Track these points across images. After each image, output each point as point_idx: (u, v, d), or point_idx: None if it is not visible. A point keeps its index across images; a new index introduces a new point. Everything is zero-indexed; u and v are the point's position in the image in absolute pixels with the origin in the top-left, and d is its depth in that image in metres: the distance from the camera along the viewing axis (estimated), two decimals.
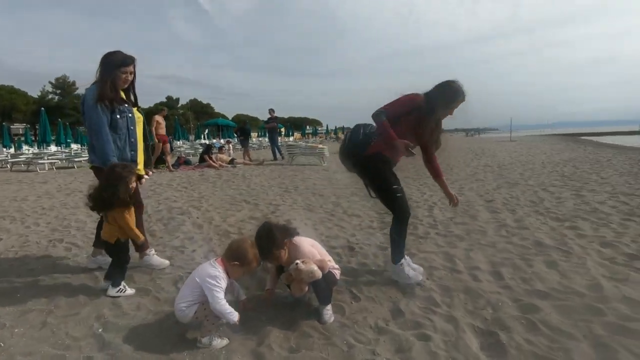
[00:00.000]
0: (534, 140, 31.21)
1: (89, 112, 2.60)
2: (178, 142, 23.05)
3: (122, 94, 2.78)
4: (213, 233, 3.97)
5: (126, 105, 2.76)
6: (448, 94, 2.52)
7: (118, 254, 2.51)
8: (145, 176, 3.04)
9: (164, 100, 66.56)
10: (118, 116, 2.67)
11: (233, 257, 1.98)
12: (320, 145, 11.81)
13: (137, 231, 2.50)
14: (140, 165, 2.92)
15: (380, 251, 3.31)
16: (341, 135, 46.43)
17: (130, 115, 2.78)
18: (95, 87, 2.63)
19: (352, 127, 2.74)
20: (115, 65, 2.62)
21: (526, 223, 4.14)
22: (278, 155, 13.14)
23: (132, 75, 2.74)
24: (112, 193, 2.33)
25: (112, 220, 2.45)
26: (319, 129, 54.33)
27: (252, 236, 2.19)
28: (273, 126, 13.40)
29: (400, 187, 2.60)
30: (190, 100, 72.20)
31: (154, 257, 2.99)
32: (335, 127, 56.07)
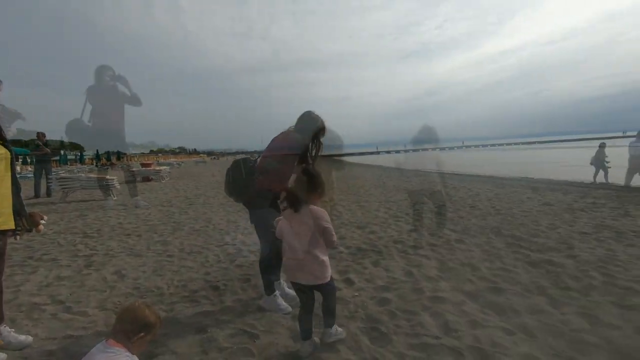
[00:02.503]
0: None
1: None
2: None
3: None
4: (14, 312, 2.88)
5: None
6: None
7: None
8: (17, 230, 2.33)
9: None
10: None
11: (134, 331, 1.66)
12: (109, 176, 10.05)
13: None
14: (7, 217, 2.17)
15: (245, 284, 3.37)
16: (115, 162, 40.12)
17: None
18: None
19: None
20: None
21: (342, 233, 5.14)
22: (44, 190, 10.28)
23: None
24: None
25: None
26: (85, 154, 45.12)
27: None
28: (46, 152, 10.45)
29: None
30: None
31: (12, 335, 2.29)
32: (107, 152, 47.96)
